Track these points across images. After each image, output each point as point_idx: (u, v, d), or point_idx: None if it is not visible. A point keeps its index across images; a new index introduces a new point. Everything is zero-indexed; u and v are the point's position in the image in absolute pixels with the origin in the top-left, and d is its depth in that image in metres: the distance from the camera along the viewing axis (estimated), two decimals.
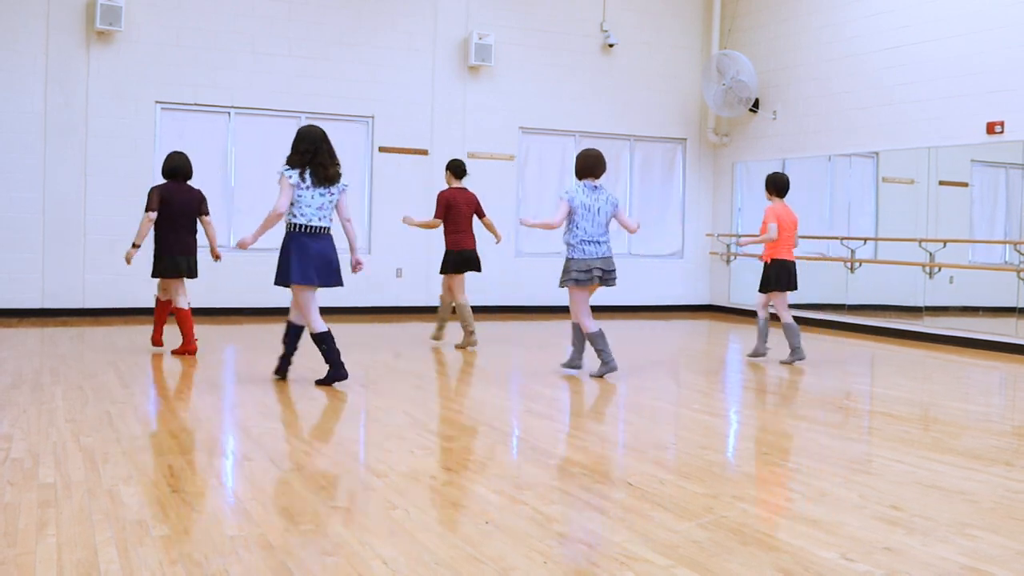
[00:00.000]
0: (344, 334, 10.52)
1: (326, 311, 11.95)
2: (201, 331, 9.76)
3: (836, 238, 12.42)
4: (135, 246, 8.34)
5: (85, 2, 11.30)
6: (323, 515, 3.91)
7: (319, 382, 7.02)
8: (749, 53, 13.49)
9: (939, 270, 11.02)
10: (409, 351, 9.22)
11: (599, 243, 7.56)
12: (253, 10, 12.03)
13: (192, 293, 10.92)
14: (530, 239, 13.24)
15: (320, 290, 7.06)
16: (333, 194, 6.87)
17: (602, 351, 7.68)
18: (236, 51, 11.95)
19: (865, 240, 12.10)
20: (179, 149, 8.97)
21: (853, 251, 12.16)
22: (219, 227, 11.64)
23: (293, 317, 7.11)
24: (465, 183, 9.50)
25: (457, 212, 9.19)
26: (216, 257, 8.61)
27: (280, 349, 7.21)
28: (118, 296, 11.39)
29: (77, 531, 3.59)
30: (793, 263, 8.91)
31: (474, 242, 9.30)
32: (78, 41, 11.32)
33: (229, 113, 12.04)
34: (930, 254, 11.05)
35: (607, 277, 7.61)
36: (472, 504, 4.12)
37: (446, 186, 9.44)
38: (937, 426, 6.35)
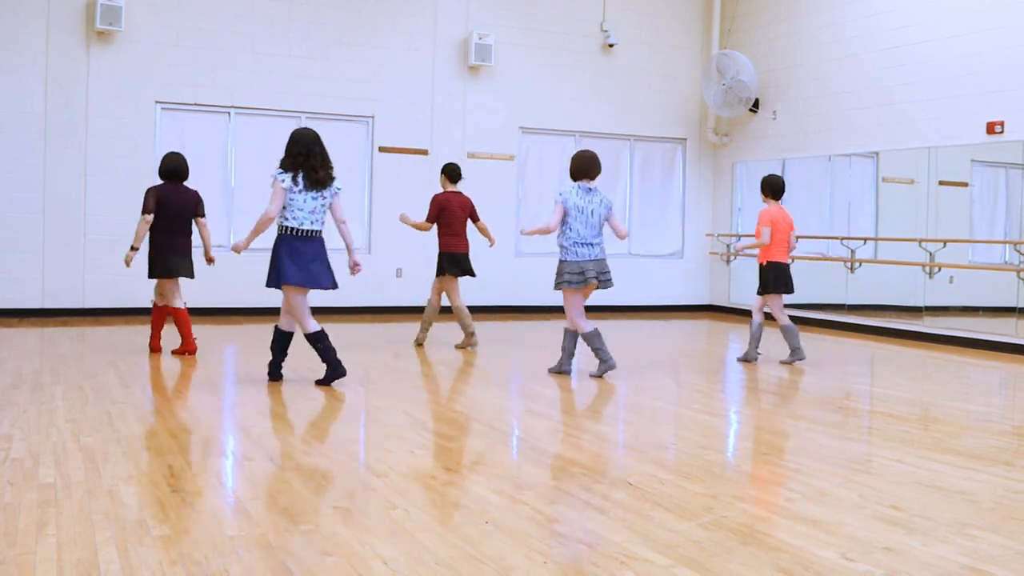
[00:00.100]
0: (344, 334, 10.53)
1: (326, 311, 12.00)
2: (201, 331, 9.75)
3: (836, 238, 12.43)
4: (133, 249, 8.33)
5: (85, 2, 11.30)
6: (323, 515, 3.91)
7: (319, 382, 7.02)
8: (749, 53, 13.49)
9: (939, 270, 11.02)
10: (409, 351, 9.22)
11: (592, 245, 7.56)
12: (253, 10, 12.03)
13: (191, 293, 10.93)
14: (530, 239, 13.24)
15: (317, 292, 7.06)
16: (326, 197, 6.86)
17: (599, 350, 7.68)
18: (236, 51, 11.95)
19: (865, 240, 12.10)
20: (176, 150, 8.97)
21: (853, 251, 12.16)
22: (219, 227, 11.68)
23: (283, 324, 7.10)
24: (463, 185, 9.49)
25: (451, 216, 9.17)
26: (210, 261, 8.59)
27: (269, 356, 7.21)
28: (118, 296, 11.39)
29: (77, 531, 3.59)
30: (787, 265, 8.88)
31: (467, 246, 9.28)
32: (78, 41, 11.32)
33: (229, 113, 12.04)
34: (930, 254, 11.05)
35: (602, 279, 7.61)
36: (472, 504, 4.12)
37: (441, 189, 9.43)
38: (937, 426, 6.35)
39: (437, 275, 9.29)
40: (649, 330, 12.39)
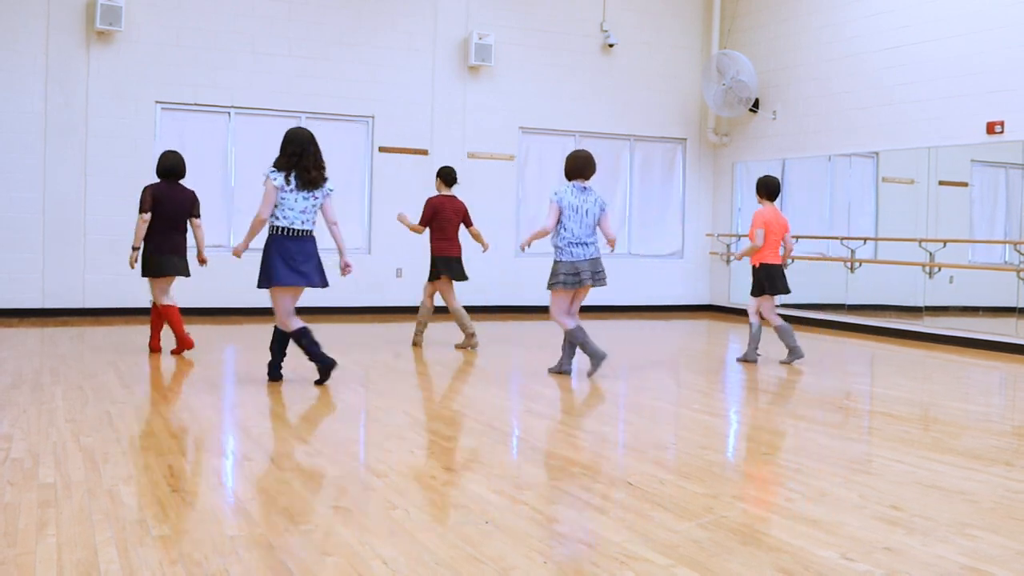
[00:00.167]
0: (344, 334, 10.54)
1: (326, 311, 12.01)
2: (201, 331, 9.76)
3: (836, 238, 12.43)
4: (135, 248, 8.32)
5: (85, 2, 11.30)
6: (323, 515, 3.91)
7: (318, 382, 7.02)
8: (749, 53, 13.49)
9: (939, 270, 11.02)
10: (409, 351, 9.22)
11: (587, 245, 7.55)
12: (253, 10, 12.03)
13: (192, 293, 10.93)
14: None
15: (317, 290, 7.06)
16: (317, 198, 6.86)
17: (585, 344, 7.67)
18: (236, 51, 11.95)
19: (865, 240, 12.10)
20: (175, 149, 8.95)
21: (853, 251, 12.16)
22: (219, 227, 11.70)
23: (280, 323, 7.12)
24: (458, 189, 9.47)
25: (444, 219, 9.15)
26: (202, 262, 8.58)
27: (268, 356, 7.21)
28: (118, 296, 11.39)
29: (77, 531, 3.59)
30: (781, 266, 8.85)
31: (459, 250, 9.26)
32: (78, 41, 11.32)
33: (229, 113, 12.04)
34: (930, 254, 11.05)
35: (596, 279, 7.60)
36: (472, 504, 4.12)
37: (436, 192, 9.41)
38: (937, 426, 6.35)
39: (429, 279, 9.27)
40: (649, 330, 12.39)
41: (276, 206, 6.77)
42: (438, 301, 9.52)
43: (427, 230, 9.23)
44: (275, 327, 7.14)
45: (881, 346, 10.83)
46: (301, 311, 7.20)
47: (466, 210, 9.36)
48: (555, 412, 6.68)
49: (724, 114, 13.74)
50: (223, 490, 4.40)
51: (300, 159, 6.75)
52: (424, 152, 12.82)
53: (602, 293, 11.63)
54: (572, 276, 7.53)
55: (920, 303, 11.42)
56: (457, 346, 9.40)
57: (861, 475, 4.80)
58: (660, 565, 3.39)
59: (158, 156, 8.61)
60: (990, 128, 10.42)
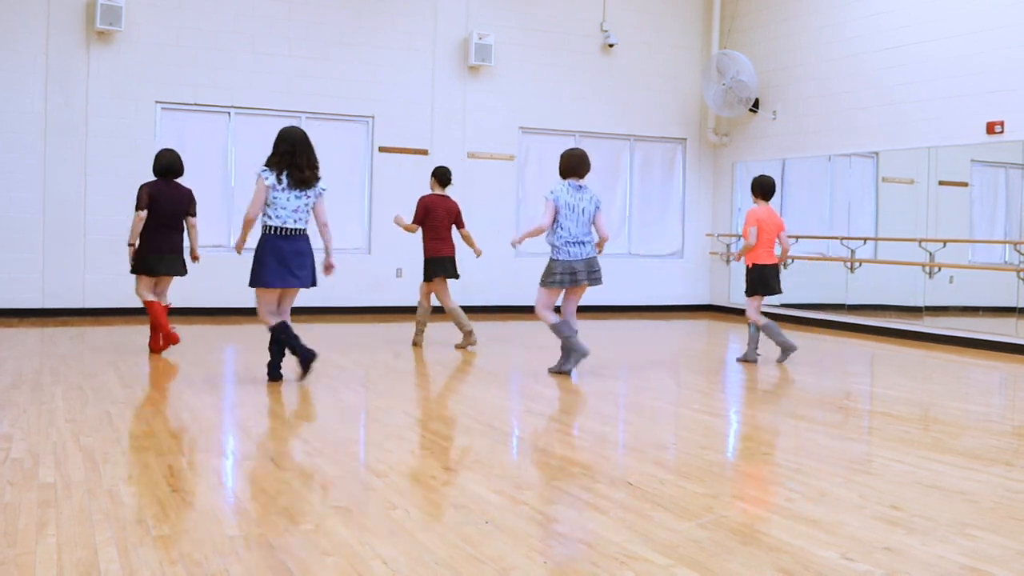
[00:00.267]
0: (344, 334, 10.54)
1: (327, 312, 12.01)
2: (201, 331, 9.77)
3: (836, 238, 12.43)
4: (131, 245, 8.32)
5: (85, 2, 11.30)
6: (323, 515, 3.91)
7: (300, 377, 7.02)
8: (749, 53, 13.49)
9: (939, 270, 11.02)
10: (409, 351, 9.22)
11: (583, 244, 7.55)
12: (253, 10, 12.03)
13: (192, 293, 10.95)
14: (531, 239, 13.23)
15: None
16: (310, 197, 6.86)
17: (568, 338, 7.67)
18: (236, 51, 11.95)
19: (865, 240, 12.10)
20: (171, 147, 8.94)
21: (853, 251, 12.16)
22: (219, 227, 11.71)
23: (260, 319, 7.14)
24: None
25: (436, 219, 9.13)
26: (195, 258, 8.58)
27: (268, 356, 7.21)
28: (118, 296, 11.38)
29: (77, 531, 3.59)
30: (774, 266, 8.82)
31: (452, 249, 9.24)
32: (78, 41, 11.32)
33: (229, 113, 12.04)
34: (930, 254, 11.05)
35: (592, 278, 7.61)
36: (472, 504, 4.12)
37: (429, 191, 9.40)
38: (937, 426, 6.35)
39: (424, 280, 9.26)
40: (649, 330, 12.39)
41: (268, 205, 6.77)
42: (435, 301, 9.51)
43: (419, 230, 9.22)
44: (291, 329, 7.13)
45: (881, 346, 10.83)
46: (301, 311, 7.21)
47: (459, 211, 9.34)
48: (555, 412, 6.68)
49: (724, 114, 13.74)
50: (223, 490, 4.40)
51: (292, 158, 6.75)
52: (424, 152, 12.82)
53: (602, 293, 11.64)
54: (568, 275, 7.53)
55: (920, 303, 11.42)
56: (457, 346, 9.40)
57: (861, 475, 4.80)
58: (660, 565, 3.39)
59: (155, 154, 8.59)
60: (990, 128, 10.42)
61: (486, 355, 9.10)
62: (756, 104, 13.53)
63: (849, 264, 12.19)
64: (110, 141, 11.47)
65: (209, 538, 3.56)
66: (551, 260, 7.61)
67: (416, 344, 9.45)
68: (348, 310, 12.39)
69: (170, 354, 8.39)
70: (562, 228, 7.50)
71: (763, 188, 8.82)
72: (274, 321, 6.95)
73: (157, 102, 11.70)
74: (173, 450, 4.99)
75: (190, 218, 8.43)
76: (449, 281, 9.35)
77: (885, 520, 3.99)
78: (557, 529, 3.82)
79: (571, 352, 7.73)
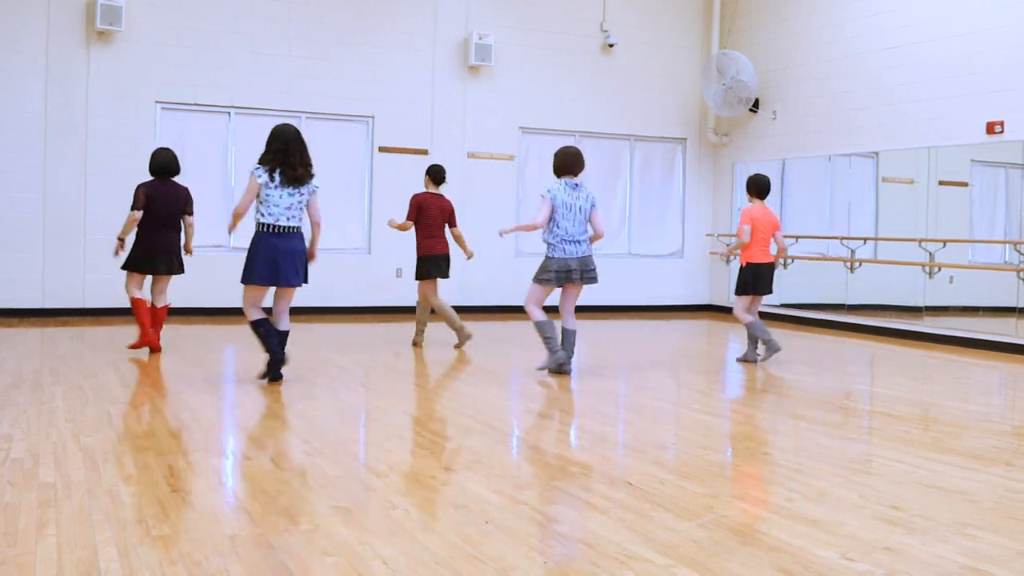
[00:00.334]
0: (344, 334, 10.54)
1: (327, 311, 12.01)
2: (201, 331, 9.77)
3: (836, 238, 12.43)
4: (120, 239, 8.36)
5: (85, 2, 11.30)
6: (323, 515, 3.91)
7: (263, 376, 7.02)
8: (749, 53, 13.49)
9: (939, 270, 11.02)
10: (409, 351, 9.22)
11: (579, 242, 7.56)
12: (253, 10, 12.03)
13: (192, 293, 10.95)
14: (530, 239, 13.23)
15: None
16: (303, 194, 6.86)
17: (549, 339, 7.67)
18: (236, 51, 11.95)
19: (865, 240, 12.10)
20: (167, 146, 8.94)
21: (853, 251, 12.16)
22: (219, 226, 11.64)
23: (278, 324, 7.12)
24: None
25: (429, 217, 9.11)
26: (188, 252, 8.59)
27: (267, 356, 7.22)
28: (118, 296, 11.31)
29: (77, 531, 3.59)
30: (768, 265, 8.78)
31: (447, 247, 9.23)
32: (78, 41, 11.32)
33: (229, 113, 12.04)
34: (930, 254, 11.05)
35: (587, 276, 7.61)
36: (472, 504, 4.12)
37: (422, 189, 9.39)
38: (937, 426, 6.35)
39: (417, 279, 9.23)
40: (649, 330, 12.39)
41: (261, 203, 6.78)
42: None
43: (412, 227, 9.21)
44: (271, 327, 7.14)
45: (881, 346, 10.83)
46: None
47: (452, 209, 9.32)
48: (555, 412, 6.68)
49: (724, 114, 13.74)
50: (223, 490, 4.40)
51: (285, 156, 6.75)
52: (424, 152, 12.81)
53: (602, 293, 11.64)
54: (563, 273, 7.54)
55: (920, 303, 11.42)
56: (456, 346, 9.39)
57: (861, 475, 4.80)
58: (660, 565, 3.39)
59: (151, 154, 8.59)
60: (990, 128, 10.42)
61: (486, 355, 9.10)
62: (756, 104, 13.53)
63: (849, 264, 12.19)
64: (110, 141, 11.46)
65: (209, 538, 3.56)
66: (546, 258, 7.62)
67: (416, 344, 9.45)
68: (348, 310, 12.38)
69: (166, 354, 8.38)
70: (558, 227, 7.50)
71: (758, 187, 8.80)
72: (256, 316, 6.96)
73: (157, 102, 11.70)
74: (173, 450, 4.99)
75: (187, 217, 8.43)
76: (440, 280, 9.34)
77: (885, 520, 4.00)
78: (557, 529, 3.82)
79: (548, 354, 7.75)
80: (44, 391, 6.54)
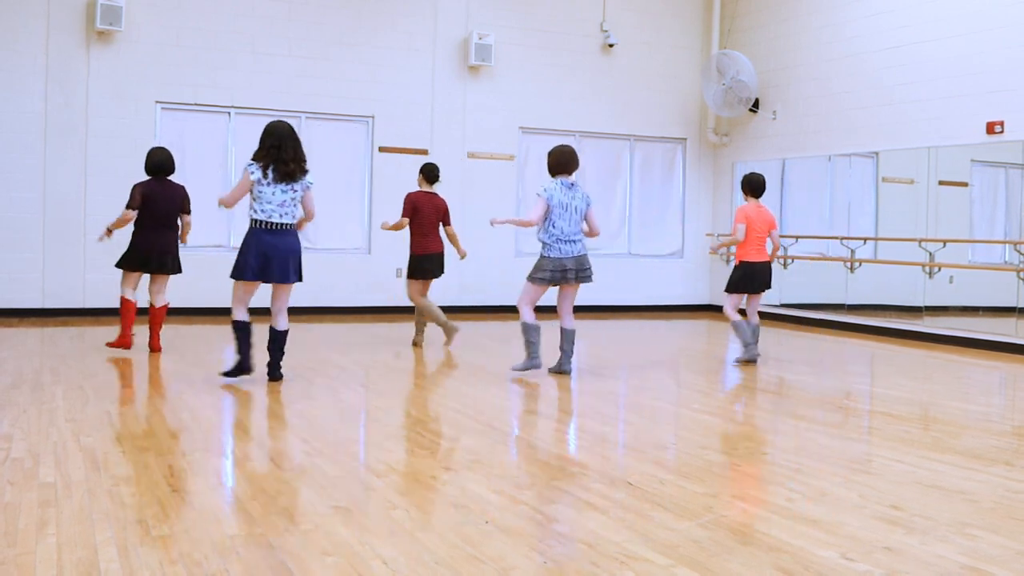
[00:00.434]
0: (344, 334, 10.53)
1: (327, 311, 12.00)
2: (201, 331, 9.76)
3: (836, 238, 12.43)
4: (108, 230, 8.39)
5: (85, 2, 11.30)
6: (323, 515, 3.91)
7: (225, 374, 7.04)
8: (749, 53, 13.49)
9: (939, 270, 11.02)
10: (409, 351, 9.22)
11: (574, 242, 7.55)
12: (253, 10, 12.03)
13: (191, 293, 10.95)
14: (530, 239, 13.23)
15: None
16: (296, 191, 6.86)
17: (532, 344, 7.66)
18: (236, 51, 11.95)
19: (865, 240, 12.10)
20: (163, 145, 8.94)
21: (853, 251, 12.16)
22: (219, 227, 11.72)
23: (277, 323, 7.13)
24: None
25: (424, 216, 9.11)
26: (183, 241, 8.61)
27: (267, 356, 7.22)
28: (118, 296, 11.36)
29: (77, 531, 3.59)
30: (762, 264, 8.75)
31: (441, 246, 9.23)
32: (78, 41, 11.32)
33: (229, 113, 12.04)
34: (930, 254, 11.05)
35: (582, 275, 7.60)
36: (472, 504, 4.12)
37: (417, 188, 9.38)
38: (937, 426, 6.35)
39: (410, 277, 9.22)
40: (649, 330, 12.38)
41: (255, 199, 6.78)
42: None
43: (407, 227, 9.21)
44: (270, 327, 7.15)
45: (881, 346, 10.83)
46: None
47: (446, 208, 9.32)
48: (555, 412, 6.69)
49: (724, 114, 13.74)
50: (223, 490, 4.40)
51: (279, 152, 6.75)
52: (424, 152, 12.80)
53: (602, 293, 11.64)
54: (558, 273, 7.54)
55: (920, 303, 11.42)
56: (445, 343, 9.36)
57: (861, 475, 4.80)
58: (660, 565, 3.39)
59: (146, 153, 8.59)
60: (990, 128, 10.42)
61: (486, 355, 9.10)
62: (756, 104, 13.53)
63: (849, 264, 12.19)
64: (110, 141, 11.46)
65: (209, 538, 3.56)
66: (541, 257, 7.60)
67: (416, 344, 9.45)
68: (348, 310, 12.38)
69: (166, 353, 8.38)
70: (554, 227, 7.50)
71: (752, 186, 8.79)
72: (241, 316, 6.97)
73: (157, 102, 11.70)
74: (173, 450, 4.99)
75: (186, 216, 8.44)
76: (436, 279, 9.35)
77: (885, 520, 4.00)
78: (557, 529, 3.82)
79: (525, 356, 7.73)
80: (44, 391, 6.54)
